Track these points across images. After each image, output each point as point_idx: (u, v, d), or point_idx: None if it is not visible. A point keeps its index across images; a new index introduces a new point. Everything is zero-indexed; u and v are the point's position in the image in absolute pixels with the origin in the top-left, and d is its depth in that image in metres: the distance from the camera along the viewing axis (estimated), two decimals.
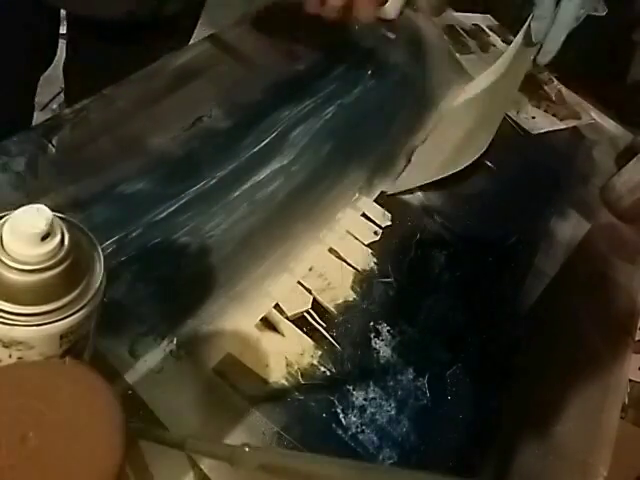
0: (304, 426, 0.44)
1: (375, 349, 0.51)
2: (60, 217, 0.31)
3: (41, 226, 0.29)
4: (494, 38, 0.97)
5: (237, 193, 0.56)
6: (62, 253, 0.30)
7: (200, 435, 0.41)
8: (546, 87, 0.93)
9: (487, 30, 0.98)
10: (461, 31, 0.94)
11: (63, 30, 0.76)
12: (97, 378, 0.28)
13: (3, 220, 0.30)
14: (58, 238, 0.30)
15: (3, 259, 0.29)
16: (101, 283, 0.32)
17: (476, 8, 1.00)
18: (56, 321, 0.30)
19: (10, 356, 0.31)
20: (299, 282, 0.52)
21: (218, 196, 0.55)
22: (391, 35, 0.84)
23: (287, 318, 0.49)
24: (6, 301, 0.29)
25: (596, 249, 0.72)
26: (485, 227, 0.64)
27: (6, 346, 0.31)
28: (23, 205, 0.29)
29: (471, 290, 0.60)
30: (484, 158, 0.72)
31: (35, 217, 0.29)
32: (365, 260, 0.56)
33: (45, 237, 0.29)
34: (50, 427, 0.26)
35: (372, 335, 0.52)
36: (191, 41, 0.76)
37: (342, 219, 0.59)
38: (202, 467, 0.40)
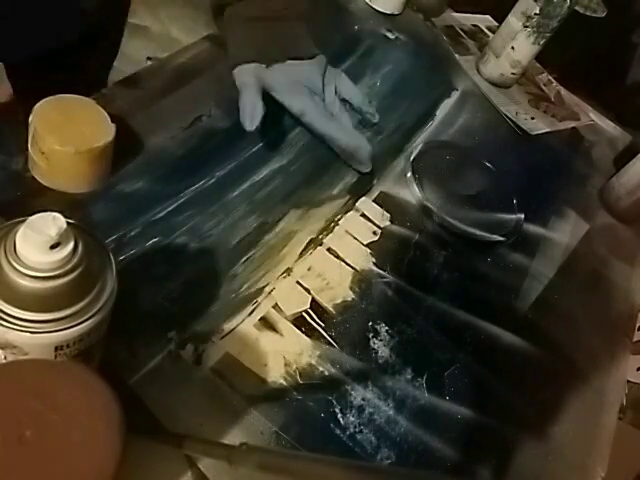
0: (302, 426, 0.44)
1: (373, 349, 0.51)
2: (78, 227, 0.30)
3: (52, 235, 0.28)
4: None
5: (236, 193, 0.56)
6: (69, 265, 0.29)
7: (198, 434, 0.41)
8: (545, 88, 0.93)
9: (486, 31, 0.98)
10: (460, 32, 0.94)
11: None
12: (95, 377, 0.28)
13: (19, 225, 0.29)
14: (68, 249, 0.29)
15: (12, 262, 0.29)
16: (107, 302, 0.32)
17: (475, 9, 1.01)
18: (51, 332, 0.30)
19: (5, 358, 0.31)
20: (298, 282, 0.52)
21: (217, 195, 0.55)
22: (391, 35, 0.84)
23: (286, 318, 0.49)
24: (7, 303, 0.29)
25: (594, 250, 0.72)
26: (483, 227, 0.64)
27: (1, 347, 0.31)
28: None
29: (469, 290, 0.60)
30: (483, 158, 0.72)
31: (49, 225, 0.29)
32: (364, 260, 0.57)
33: (55, 246, 0.29)
34: (48, 427, 0.26)
35: (370, 335, 0.52)
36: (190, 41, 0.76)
37: (341, 219, 0.59)
38: (200, 466, 0.40)
